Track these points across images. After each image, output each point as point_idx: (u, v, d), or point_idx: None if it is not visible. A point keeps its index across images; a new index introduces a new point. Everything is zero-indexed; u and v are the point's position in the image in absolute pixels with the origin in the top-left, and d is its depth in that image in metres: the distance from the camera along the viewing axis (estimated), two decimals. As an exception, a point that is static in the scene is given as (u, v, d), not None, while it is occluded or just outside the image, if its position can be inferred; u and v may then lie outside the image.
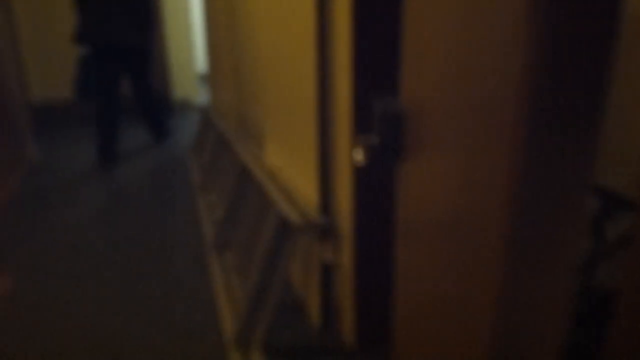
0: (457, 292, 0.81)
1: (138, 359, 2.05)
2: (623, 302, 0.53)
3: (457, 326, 0.83)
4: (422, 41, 0.84)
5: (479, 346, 0.74)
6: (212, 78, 4.55)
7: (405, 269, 1.09)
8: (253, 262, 2.24)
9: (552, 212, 0.67)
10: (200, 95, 5.54)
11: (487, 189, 0.69)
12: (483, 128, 0.70)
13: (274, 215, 2.07)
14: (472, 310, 0.74)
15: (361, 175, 1.79)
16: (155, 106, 4.64)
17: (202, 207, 3.28)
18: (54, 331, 2.23)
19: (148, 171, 4.09)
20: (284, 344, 2.12)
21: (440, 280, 0.88)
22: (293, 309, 2.34)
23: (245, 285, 2.26)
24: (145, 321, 2.28)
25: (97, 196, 3.62)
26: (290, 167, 2.34)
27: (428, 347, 1.00)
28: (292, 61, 2.20)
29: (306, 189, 2.13)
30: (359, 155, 0.88)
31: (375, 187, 1.81)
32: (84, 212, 3.39)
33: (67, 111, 5.32)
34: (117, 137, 4.31)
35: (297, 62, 2.11)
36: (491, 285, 0.69)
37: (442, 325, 0.89)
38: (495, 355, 0.68)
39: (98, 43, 4.00)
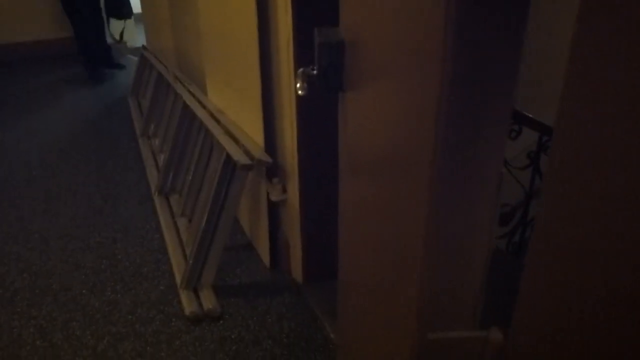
0: (393, 226, 0.83)
1: (87, 304, 2.04)
2: (530, 260, 0.52)
3: (393, 257, 0.85)
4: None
5: (411, 273, 0.76)
6: (147, 18, 4.33)
7: (349, 204, 1.11)
8: (200, 204, 2.23)
9: (473, 150, 0.68)
10: (135, 37, 5.28)
11: (417, 121, 0.70)
12: (414, 58, 0.70)
13: (219, 156, 2.05)
14: (405, 244, 0.76)
15: (304, 113, 1.79)
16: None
17: (145, 151, 3.20)
18: (-4, 282, 2.18)
19: (86, 117, 3.92)
20: (234, 283, 2.15)
21: (380, 213, 0.90)
22: (244, 248, 2.36)
23: (193, 228, 2.25)
24: (93, 267, 2.25)
25: (33, 143, 3.46)
26: (233, 108, 2.30)
27: (370, 279, 1.04)
28: (231, -4, 2.12)
29: (251, 129, 2.11)
30: (300, 86, 0.87)
31: (319, 124, 1.80)
32: (26, 159, 3.24)
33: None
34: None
35: (236, -3, 2.04)
36: (419, 221, 0.70)
37: (381, 258, 0.92)
38: (425, 282, 0.70)
39: None
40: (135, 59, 4.46)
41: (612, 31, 0.40)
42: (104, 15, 4.76)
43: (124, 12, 4.84)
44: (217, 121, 2.29)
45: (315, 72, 0.90)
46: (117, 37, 5.01)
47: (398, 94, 0.76)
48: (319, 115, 1.78)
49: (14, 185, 2.97)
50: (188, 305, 1.97)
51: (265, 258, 2.24)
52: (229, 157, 1.95)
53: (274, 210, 2.14)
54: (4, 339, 1.88)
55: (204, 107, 2.49)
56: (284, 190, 2.01)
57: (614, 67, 0.40)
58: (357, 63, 0.88)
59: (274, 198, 2.02)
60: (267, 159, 1.94)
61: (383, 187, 0.87)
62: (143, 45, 4.21)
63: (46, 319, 1.98)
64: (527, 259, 0.51)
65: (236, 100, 2.26)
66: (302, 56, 1.64)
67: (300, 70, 0.90)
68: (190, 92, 2.71)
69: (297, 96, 1.75)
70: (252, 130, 2.08)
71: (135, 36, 5.30)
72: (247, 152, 1.97)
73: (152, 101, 3.37)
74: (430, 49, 0.62)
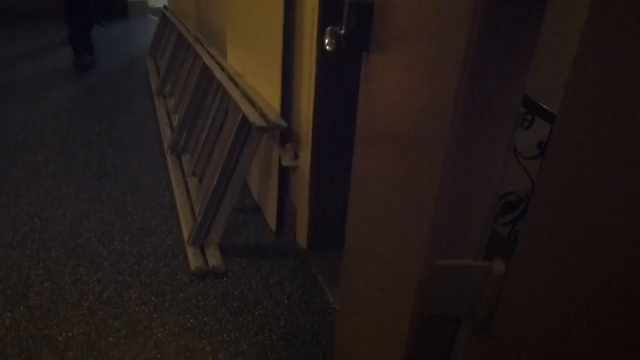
0: (404, 203, 0.85)
1: (95, 253, 2.09)
2: (534, 209, 0.55)
3: (402, 233, 0.88)
4: None
5: (419, 240, 0.79)
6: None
7: (362, 175, 1.13)
8: (212, 164, 2.26)
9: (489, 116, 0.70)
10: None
11: (438, 89, 0.71)
12: (441, 28, 0.71)
13: (235, 117, 2.07)
14: (419, 193, 0.78)
15: (323, 81, 1.80)
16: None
17: (160, 110, 3.23)
18: (7, 219, 2.23)
19: (104, 75, 3.95)
20: (240, 244, 2.19)
21: (393, 189, 0.92)
22: (252, 212, 2.40)
23: (203, 187, 2.29)
24: (103, 218, 2.30)
25: (53, 99, 3.50)
26: (252, 72, 2.32)
27: (377, 250, 1.06)
28: (258, -41, 2.12)
29: (268, 93, 2.13)
30: (328, 42, 0.89)
31: (336, 93, 1.82)
32: (43, 111, 3.28)
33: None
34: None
35: (264, -39, 2.04)
36: (434, 169, 0.72)
37: (389, 231, 0.95)
38: (430, 253, 0.72)
39: None
40: (156, 18, 4.46)
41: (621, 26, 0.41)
42: None
43: None
44: (236, 84, 2.31)
45: (342, 31, 0.91)
46: None
47: (422, 60, 0.78)
48: (337, 84, 1.80)
49: (30, 134, 3.01)
50: (194, 260, 2.02)
51: (272, 222, 2.27)
52: (244, 119, 1.98)
53: (284, 175, 2.17)
54: (13, 278, 1.94)
55: (222, 69, 2.50)
56: (296, 157, 2.04)
57: (618, 67, 0.42)
58: (384, 25, 0.90)
59: (285, 163, 2.05)
60: (282, 123, 1.96)
61: (400, 154, 0.89)
62: (164, 5, 4.21)
63: (55, 262, 2.03)
64: (534, 199, 0.54)
65: (256, 65, 2.27)
66: (327, 20, 1.65)
67: (329, 28, 0.92)
68: (209, 53, 2.72)
69: (317, 63, 1.77)
70: (270, 95, 2.10)
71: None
72: (263, 115, 1.99)
73: (170, 61, 3.38)
74: (460, 16, 0.64)
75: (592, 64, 0.45)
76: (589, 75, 0.46)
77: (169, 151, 2.76)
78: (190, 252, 2.07)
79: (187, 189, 2.44)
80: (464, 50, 0.64)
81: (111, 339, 1.71)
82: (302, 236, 2.15)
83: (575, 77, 0.47)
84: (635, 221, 0.41)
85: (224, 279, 1.99)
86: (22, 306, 1.81)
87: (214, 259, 2.03)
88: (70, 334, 1.71)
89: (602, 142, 0.44)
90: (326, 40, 0.88)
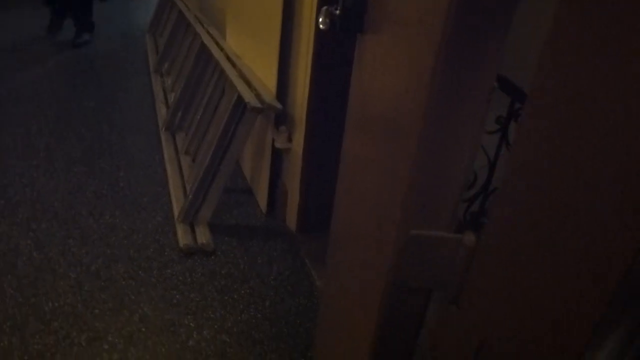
0: (384, 179, 0.86)
1: (85, 226, 2.09)
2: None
3: (381, 207, 0.89)
4: None
5: (394, 211, 0.80)
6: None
7: (350, 156, 1.14)
8: (205, 143, 2.26)
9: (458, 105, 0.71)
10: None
11: (417, 76, 0.72)
12: (424, 12, 0.72)
13: (230, 97, 2.07)
14: (395, 168, 0.79)
15: (319, 65, 1.81)
16: None
17: (156, 88, 3.22)
18: (0, 190, 2.24)
19: (104, 52, 3.93)
20: (229, 224, 2.20)
21: (377, 167, 0.93)
22: (243, 193, 2.41)
23: (196, 165, 2.29)
24: (95, 191, 2.30)
25: (50, 72, 3.48)
26: (250, 54, 2.32)
27: (360, 226, 1.08)
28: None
29: (265, 75, 2.13)
30: (322, 21, 0.90)
31: (332, 78, 1.83)
32: (40, 83, 3.27)
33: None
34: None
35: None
36: (410, 142, 0.73)
37: (371, 207, 0.96)
38: (404, 223, 0.74)
39: None
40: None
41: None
42: None
43: None
44: (233, 65, 2.31)
45: (338, 11, 0.92)
46: None
47: (407, 42, 0.79)
48: (333, 68, 1.80)
49: (24, 105, 3.00)
50: (183, 237, 2.03)
51: (263, 204, 2.29)
52: (240, 99, 1.98)
53: (277, 158, 2.18)
54: (2, 246, 1.95)
55: (221, 49, 2.50)
56: (290, 139, 2.05)
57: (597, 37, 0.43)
58: (378, 7, 0.90)
59: (278, 145, 2.06)
60: (277, 105, 1.96)
61: (384, 134, 0.91)
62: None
63: (44, 233, 2.03)
64: (505, 178, 0.55)
65: (253, 46, 2.27)
66: (326, 3, 1.65)
67: (325, 7, 0.93)
68: (209, 33, 2.71)
69: (315, 46, 1.77)
70: (266, 77, 2.11)
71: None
72: (258, 96, 1.99)
73: (169, 39, 3.37)
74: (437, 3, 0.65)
75: (565, 43, 0.46)
76: (562, 53, 0.47)
77: (164, 129, 2.76)
78: (180, 229, 2.08)
79: (180, 167, 2.45)
80: (440, 34, 0.65)
81: (97, 310, 1.72)
82: (292, 218, 2.16)
83: (549, 54, 0.48)
84: (600, 192, 0.43)
85: (212, 257, 2.00)
86: (10, 275, 1.82)
87: (203, 237, 2.04)
88: (56, 304, 1.73)
89: (572, 119, 0.46)
90: (320, 19, 0.88)
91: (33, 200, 2.21)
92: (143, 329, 1.67)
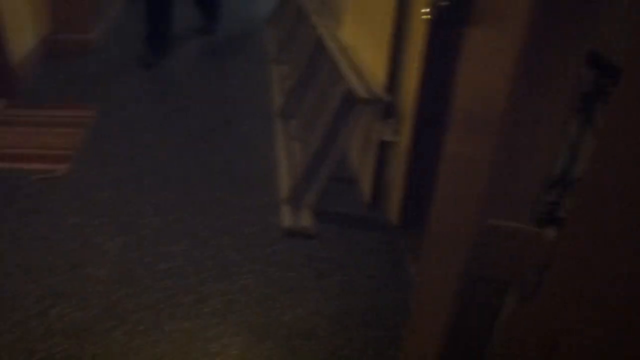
0: (471, 171, 0.85)
1: (199, 198, 2.26)
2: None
3: (466, 199, 0.88)
4: None
5: (475, 201, 0.78)
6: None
7: (450, 154, 1.14)
8: (315, 130, 2.34)
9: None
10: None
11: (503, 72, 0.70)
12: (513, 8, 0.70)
13: (341, 88, 2.12)
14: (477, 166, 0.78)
15: (431, 59, 1.79)
16: None
17: (274, 77, 3.37)
18: (129, 160, 2.47)
19: (227, 39, 4.16)
20: (332, 211, 2.26)
21: (468, 162, 0.92)
22: (348, 183, 2.46)
23: (306, 151, 2.38)
24: (211, 169, 2.47)
25: (176, 56, 3.76)
26: (362, 46, 2.35)
27: (448, 225, 1.07)
28: None
29: (375, 67, 2.15)
30: (429, 12, 0.91)
31: (443, 73, 1.81)
32: (168, 67, 3.55)
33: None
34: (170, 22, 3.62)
35: None
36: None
37: (459, 199, 0.95)
38: (483, 212, 0.72)
39: None
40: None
41: None
42: None
43: None
44: (345, 56, 2.36)
45: (446, 3, 0.93)
46: None
47: (501, 38, 0.78)
48: (444, 63, 1.78)
49: (151, 84, 3.27)
50: (287, 219, 2.12)
51: (367, 195, 2.32)
52: (350, 90, 2.03)
53: (383, 150, 2.19)
54: (128, 209, 2.15)
55: (336, 40, 2.56)
56: (397, 132, 2.06)
57: None
58: (483, 1, 0.89)
59: (385, 138, 2.08)
60: (386, 97, 1.98)
61: (476, 133, 0.89)
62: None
63: (163, 200, 2.22)
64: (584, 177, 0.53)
65: (366, 38, 2.30)
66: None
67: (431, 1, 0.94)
68: (325, 24, 2.79)
69: (427, 41, 1.76)
70: (376, 69, 2.13)
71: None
72: (368, 89, 2.02)
73: (288, 29, 3.50)
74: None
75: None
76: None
77: (278, 115, 2.88)
78: (285, 210, 2.17)
79: (291, 152, 2.55)
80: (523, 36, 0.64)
81: (203, 276, 1.86)
82: (394, 212, 2.18)
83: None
84: None
85: (313, 241, 2.07)
86: (134, 235, 2.02)
87: (306, 220, 2.12)
88: (169, 265, 1.89)
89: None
90: (427, 10, 0.89)
91: (155, 171, 2.42)
92: (242, 299, 1.78)
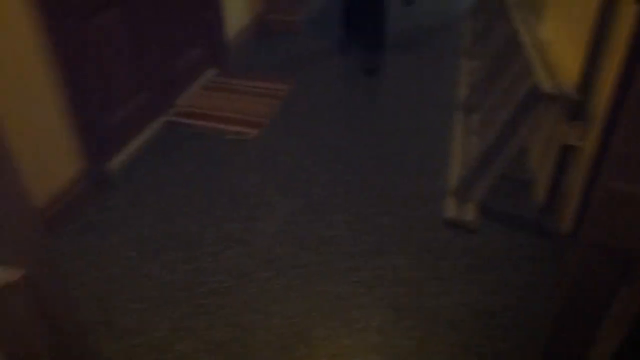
0: None
1: (367, 178, 2.35)
2: None
3: None
4: None
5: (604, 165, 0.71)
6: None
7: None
8: (494, 124, 2.27)
9: None
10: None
11: None
12: None
13: (528, 82, 2.03)
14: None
15: (635, 56, 1.63)
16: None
17: (463, 70, 3.31)
18: (310, 134, 2.66)
19: (424, 29, 4.18)
20: (500, 210, 2.19)
21: None
22: (522, 183, 2.35)
23: (480, 145, 2.32)
24: (383, 154, 2.55)
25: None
26: (560, 43, 2.20)
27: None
28: None
29: (571, 65, 2.01)
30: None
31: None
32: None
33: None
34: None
35: None
36: None
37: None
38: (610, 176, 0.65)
39: None
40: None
41: None
42: None
43: None
44: (539, 52, 2.23)
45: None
46: None
47: None
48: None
49: (337, 70, 3.43)
50: (450, 209, 2.11)
51: (539, 199, 2.19)
52: (536, 85, 1.93)
53: (566, 152, 2.05)
54: (303, 177, 2.33)
55: (531, 36, 2.44)
56: (582, 137, 1.91)
57: None
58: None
59: (570, 141, 1.94)
60: (574, 95, 1.85)
61: None
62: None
63: (335, 174, 2.36)
64: None
65: (565, 34, 2.15)
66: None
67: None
68: (523, 19, 2.66)
69: (633, 33, 1.60)
70: (572, 67, 1.99)
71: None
72: (556, 85, 1.90)
73: (485, 23, 3.41)
74: None
75: None
76: None
77: (460, 108, 2.84)
78: (450, 202, 2.16)
79: (466, 146, 2.51)
80: None
81: (359, 248, 1.95)
82: (567, 221, 2.03)
83: None
84: None
85: (473, 236, 2.03)
86: (304, 199, 2.19)
87: (470, 214, 2.08)
88: (330, 233, 2.02)
89: None
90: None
91: (333, 146, 2.56)
92: (391, 277, 1.83)
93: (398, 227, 2.06)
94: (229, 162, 2.45)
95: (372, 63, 3.40)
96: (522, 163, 2.46)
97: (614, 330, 0.67)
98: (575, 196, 1.96)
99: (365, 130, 2.72)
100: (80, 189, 2.13)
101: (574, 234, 1.99)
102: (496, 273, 1.86)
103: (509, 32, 2.70)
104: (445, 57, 3.59)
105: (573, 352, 0.79)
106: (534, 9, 2.81)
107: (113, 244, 1.97)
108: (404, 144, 2.62)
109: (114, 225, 2.06)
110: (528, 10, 2.81)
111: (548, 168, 2.13)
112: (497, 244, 1.99)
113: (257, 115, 2.80)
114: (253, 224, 2.07)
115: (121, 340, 1.61)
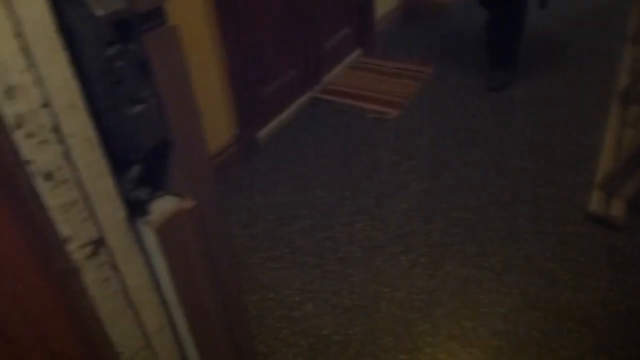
0: None
1: (506, 164, 2.28)
2: None
3: None
4: None
5: None
6: None
7: None
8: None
9: None
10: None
11: None
12: None
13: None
14: None
15: None
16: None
17: (626, 56, 3.04)
18: (448, 115, 2.64)
19: (583, 13, 3.88)
20: (653, 209, 2.02)
21: None
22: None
23: (636, 139, 2.15)
24: (525, 140, 2.45)
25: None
26: None
27: None
28: None
29: None
30: None
31: None
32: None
33: None
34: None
35: None
36: None
37: None
38: None
39: None
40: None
41: None
42: None
43: None
44: None
45: None
46: None
47: None
48: None
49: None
50: (595, 203, 1.99)
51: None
52: None
53: None
54: (431, 162, 2.33)
55: None
56: None
57: None
58: None
59: None
60: None
61: None
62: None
63: (469, 155, 2.33)
64: None
65: None
66: None
67: None
68: None
69: None
70: None
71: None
72: None
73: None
74: None
75: None
76: None
77: (618, 97, 2.63)
78: (596, 194, 2.03)
79: (620, 138, 2.33)
80: None
81: (492, 233, 1.92)
82: None
83: None
84: None
85: (619, 233, 1.90)
86: (437, 180, 2.20)
87: (617, 210, 1.95)
88: (461, 215, 2.01)
89: None
90: None
91: (470, 129, 2.52)
92: (523, 266, 1.79)
93: (535, 216, 1.99)
94: (368, 140, 2.52)
95: (498, 81, 2.91)
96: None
97: None
98: None
99: (509, 117, 2.63)
100: (232, 154, 2.34)
101: None
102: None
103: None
104: (607, 43, 3.32)
105: None
106: None
107: (255, 205, 2.15)
108: (549, 131, 2.49)
109: (258, 189, 2.24)
110: None
111: None
112: (646, 244, 1.85)
113: (399, 96, 2.83)
114: (386, 200, 2.12)
115: (256, 293, 1.77)
